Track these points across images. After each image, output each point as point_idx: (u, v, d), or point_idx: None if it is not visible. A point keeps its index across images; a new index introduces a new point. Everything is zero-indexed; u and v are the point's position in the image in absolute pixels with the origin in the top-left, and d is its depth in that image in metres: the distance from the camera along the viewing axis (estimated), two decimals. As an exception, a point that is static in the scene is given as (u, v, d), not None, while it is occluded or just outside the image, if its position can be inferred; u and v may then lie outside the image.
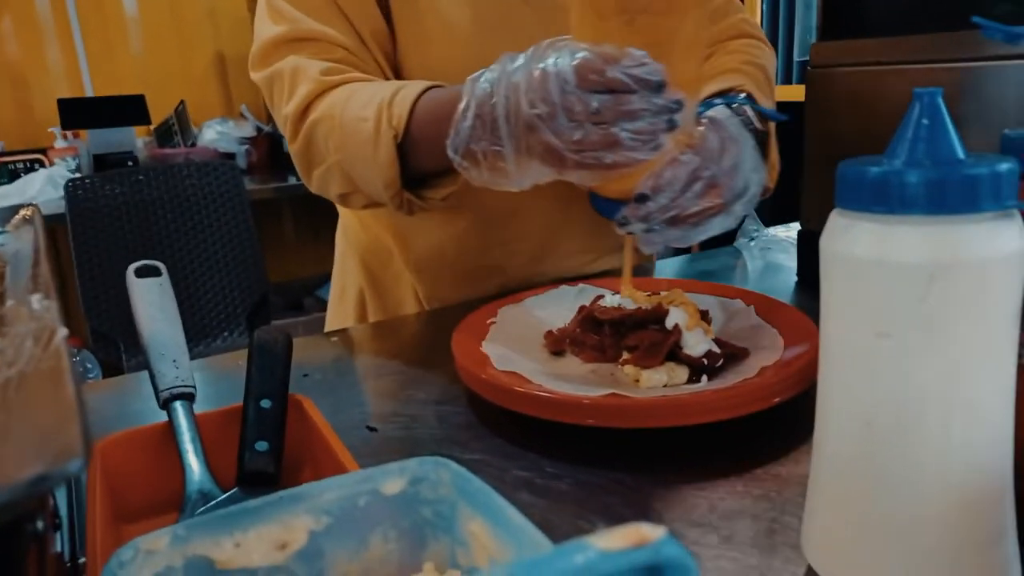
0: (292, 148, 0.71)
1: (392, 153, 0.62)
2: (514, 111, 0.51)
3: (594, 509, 0.44)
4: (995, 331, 0.31)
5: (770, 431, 0.51)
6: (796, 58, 2.61)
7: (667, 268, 0.98)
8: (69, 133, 2.68)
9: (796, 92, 0.85)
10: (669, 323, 0.56)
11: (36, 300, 0.30)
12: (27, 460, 0.17)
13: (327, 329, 0.94)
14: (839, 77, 0.74)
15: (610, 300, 0.61)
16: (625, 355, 0.57)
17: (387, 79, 0.73)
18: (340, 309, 0.93)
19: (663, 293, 0.61)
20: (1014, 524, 0.33)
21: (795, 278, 0.85)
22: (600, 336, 0.59)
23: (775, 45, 2.81)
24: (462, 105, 0.54)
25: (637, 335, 0.57)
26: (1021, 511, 0.33)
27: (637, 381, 0.54)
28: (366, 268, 0.90)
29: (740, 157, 0.59)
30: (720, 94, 0.69)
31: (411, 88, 0.63)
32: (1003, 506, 0.32)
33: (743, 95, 0.68)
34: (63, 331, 0.25)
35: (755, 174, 0.60)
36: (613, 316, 0.58)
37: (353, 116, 0.64)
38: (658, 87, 0.50)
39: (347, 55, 0.71)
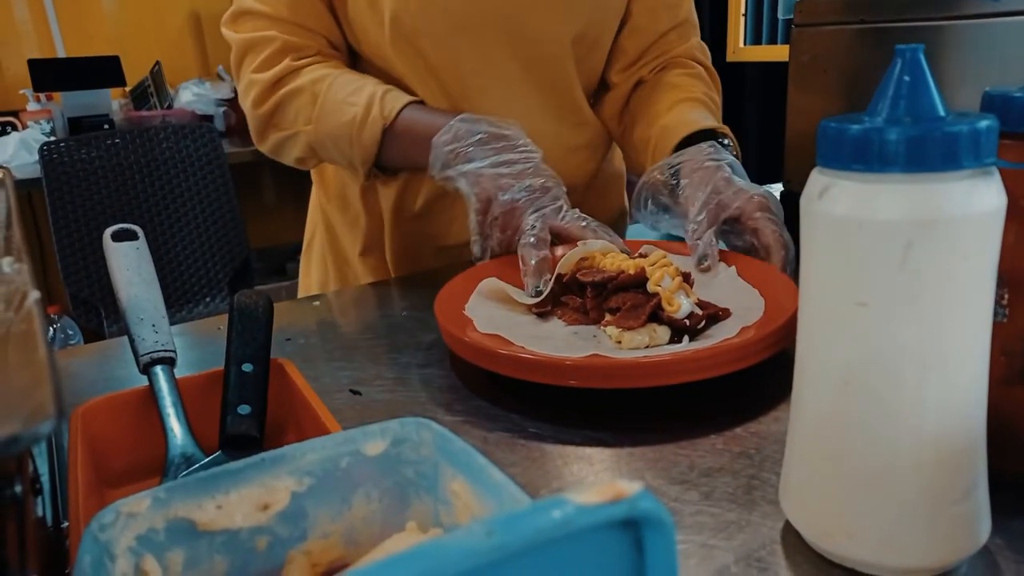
0: (256, 111, 0.78)
1: (378, 136, 0.73)
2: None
3: (575, 468, 0.44)
4: (973, 290, 0.31)
5: (750, 389, 0.51)
6: (781, 16, 2.59)
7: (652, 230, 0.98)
8: (42, 95, 2.62)
9: (780, 52, 0.85)
10: (651, 286, 0.56)
11: (7, 263, 0.30)
12: (-1, 423, 0.17)
13: (300, 295, 0.95)
14: (823, 35, 0.74)
15: (593, 244, 0.63)
16: (608, 317, 0.57)
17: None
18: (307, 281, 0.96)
19: (644, 254, 0.61)
20: (985, 477, 0.34)
21: (777, 239, 0.85)
22: (583, 298, 0.59)
23: (760, 7, 2.78)
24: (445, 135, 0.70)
25: (619, 297, 0.57)
26: (991, 464, 0.34)
27: (619, 342, 0.54)
28: (329, 229, 0.93)
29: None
30: (703, 134, 0.76)
31: (401, 93, 0.75)
32: (976, 460, 0.33)
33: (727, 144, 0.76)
34: (35, 294, 0.25)
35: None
36: (595, 279, 0.58)
37: (339, 98, 0.74)
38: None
39: (324, 50, 0.79)
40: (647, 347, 0.53)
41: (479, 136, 0.69)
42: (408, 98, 0.74)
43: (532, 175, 0.68)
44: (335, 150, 0.76)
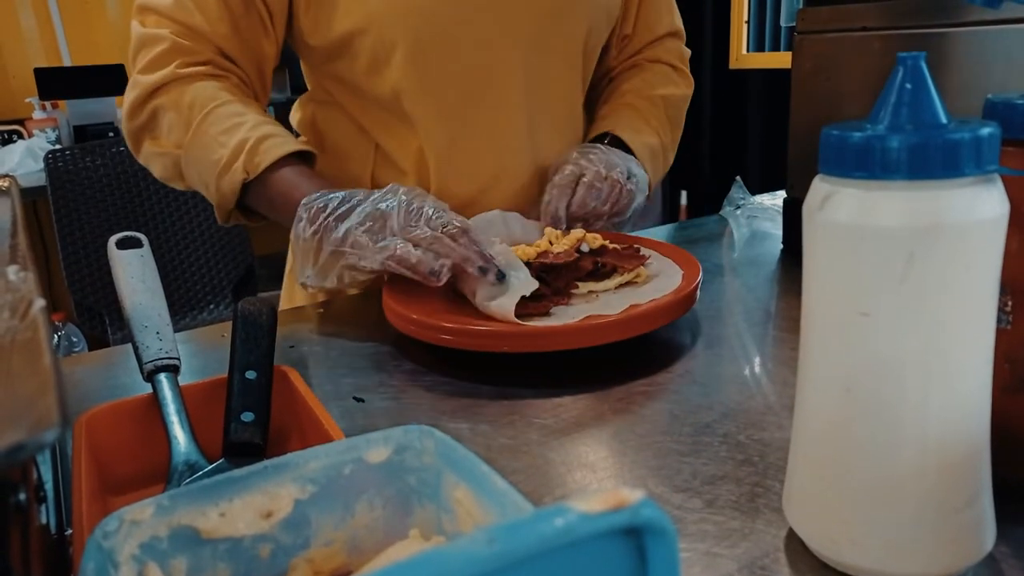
0: (131, 122, 0.74)
1: (236, 189, 0.69)
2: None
3: (579, 476, 0.44)
4: (976, 297, 0.31)
5: (753, 397, 0.51)
6: (783, 24, 2.60)
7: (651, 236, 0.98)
8: (48, 104, 2.63)
9: (783, 59, 0.85)
10: (587, 246, 0.66)
11: (13, 271, 0.30)
12: (3, 430, 0.17)
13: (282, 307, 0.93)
14: (825, 43, 0.74)
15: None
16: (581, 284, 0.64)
17: (249, 86, 0.77)
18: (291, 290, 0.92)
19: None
20: (990, 484, 0.34)
21: (781, 246, 0.86)
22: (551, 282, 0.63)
23: (763, 14, 2.79)
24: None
25: (582, 263, 0.64)
26: (996, 471, 0.34)
27: (593, 293, 0.63)
28: None
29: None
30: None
31: (278, 143, 0.70)
32: (980, 467, 0.33)
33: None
34: (40, 302, 0.25)
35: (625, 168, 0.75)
36: (558, 261, 0.63)
37: (212, 132, 0.69)
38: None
39: (216, 60, 0.73)
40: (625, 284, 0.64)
41: (335, 202, 0.65)
42: (283, 151, 0.69)
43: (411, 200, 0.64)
44: (199, 183, 0.73)
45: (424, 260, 0.60)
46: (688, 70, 0.94)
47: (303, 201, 0.65)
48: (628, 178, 0.75)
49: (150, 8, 0.73)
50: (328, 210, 0.64)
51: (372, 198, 0.64)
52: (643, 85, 0.88)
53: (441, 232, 0.61)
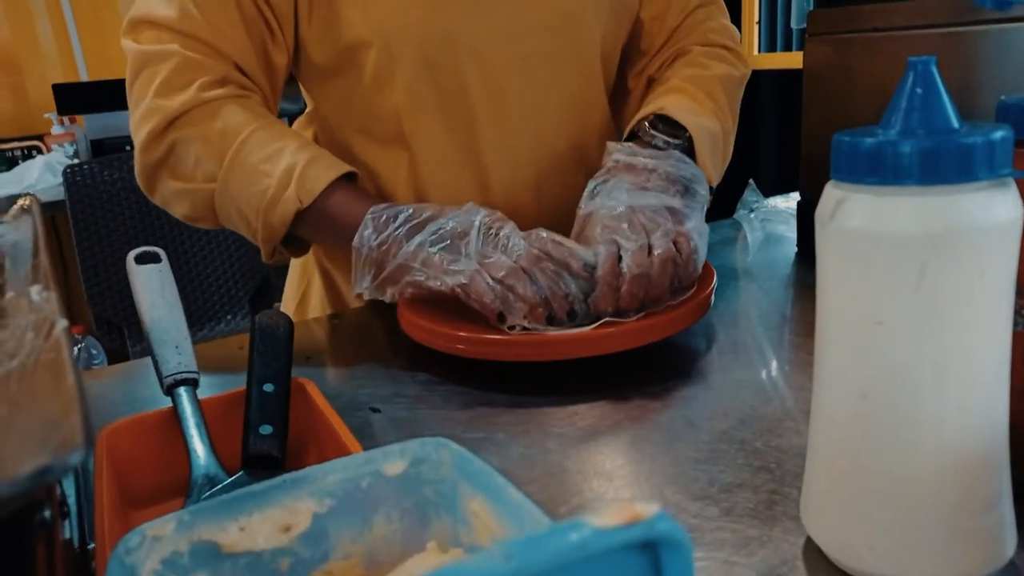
0: (149, 153, 0.67)
1: (288, 220, 0.65)
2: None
3: (595, 484, 0.44)
4: (991, 301, 0.31)
5: (770, 403, 0.51)
6: (794, 27, 2.58)
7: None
8: (66, 119, 2.67)
9: (796, 59, 0.84)
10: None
11: (36, 291, 0.30)
12: (29, 452, 0.17)
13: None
14: (836, 44, 0.74)
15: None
16: None
17: (266, 101, 0.73)
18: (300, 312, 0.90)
19: None
20: (1009, 490, 0.33)
21: (795, 249, 0.85)
22: None
23: (774, 14, 2.78)
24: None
25: None
26: (1016, 476, 0.33)
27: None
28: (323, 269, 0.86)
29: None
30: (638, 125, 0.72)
31: (327, 165, 0.66)
32: (998, 472, 0.33)
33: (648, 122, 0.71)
34: (63, 322, 0.26)
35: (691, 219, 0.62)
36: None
37: (251, 162, 0.65)
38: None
39: (232, 75, 0.68)
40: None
41: (405, 214, 0.62)
42: (334, 173, 0.65)
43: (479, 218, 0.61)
44: (239, 219, 0.67)
45: (496, 303, 0.57)
46: (740, 51, 0.85)
47: (371, 209, 0.63)
48: (676, 239, 0.60)
49: (147, 22, 0.67)
50: (399, 221, 0.62)
51: (447, 214, 0.62)
52: (693, 66, 0.78)
53: (518, 262, 0.58)
